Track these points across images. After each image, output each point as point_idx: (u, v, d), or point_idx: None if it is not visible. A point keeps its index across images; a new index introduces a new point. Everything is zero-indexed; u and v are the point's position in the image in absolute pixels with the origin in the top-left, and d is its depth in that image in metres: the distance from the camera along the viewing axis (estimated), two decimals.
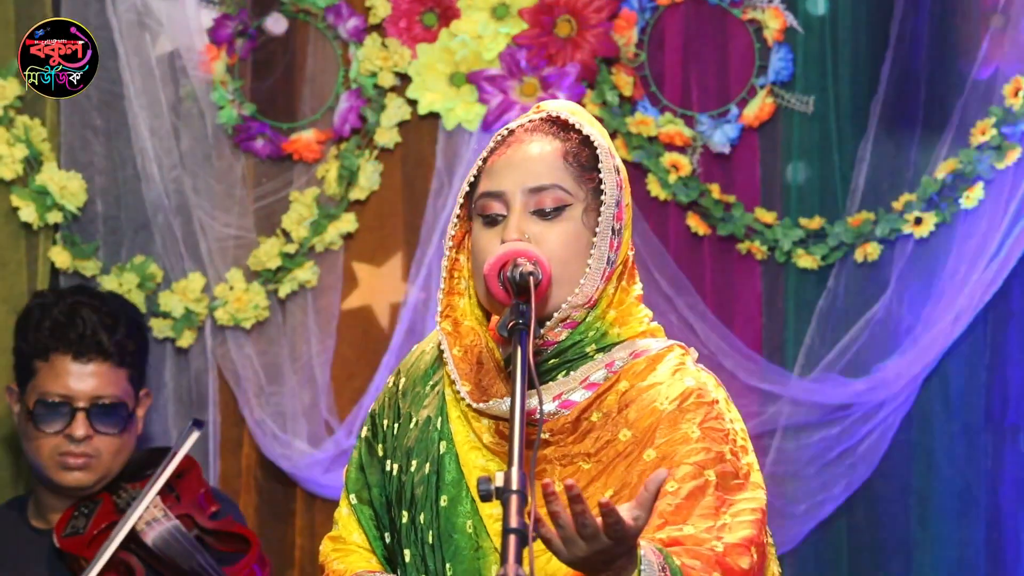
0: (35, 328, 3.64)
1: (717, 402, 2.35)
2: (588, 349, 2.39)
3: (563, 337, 2.38)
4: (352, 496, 2.53)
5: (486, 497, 2.00)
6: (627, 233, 2.41)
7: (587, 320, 2.38)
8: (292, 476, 4.11)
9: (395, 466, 2.46)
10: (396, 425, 2.49)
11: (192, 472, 3.69)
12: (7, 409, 3.93)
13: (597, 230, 2.36)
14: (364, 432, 2.56)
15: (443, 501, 2.39)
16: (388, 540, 2.48)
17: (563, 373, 2.39)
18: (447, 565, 2.38)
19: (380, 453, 2.51)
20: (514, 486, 1.97)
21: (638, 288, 2.45)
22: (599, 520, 2.05)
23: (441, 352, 2.46)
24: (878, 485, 4.20)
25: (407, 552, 2.42)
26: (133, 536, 3.49)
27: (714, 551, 2.20)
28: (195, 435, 3.56)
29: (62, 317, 3.62)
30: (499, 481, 1.99)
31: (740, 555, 2.22)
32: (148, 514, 3.52)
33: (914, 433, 4.20)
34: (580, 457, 2.34)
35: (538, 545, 2.08)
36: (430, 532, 2.39)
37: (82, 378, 3.60)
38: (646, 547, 2.14)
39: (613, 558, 2.10)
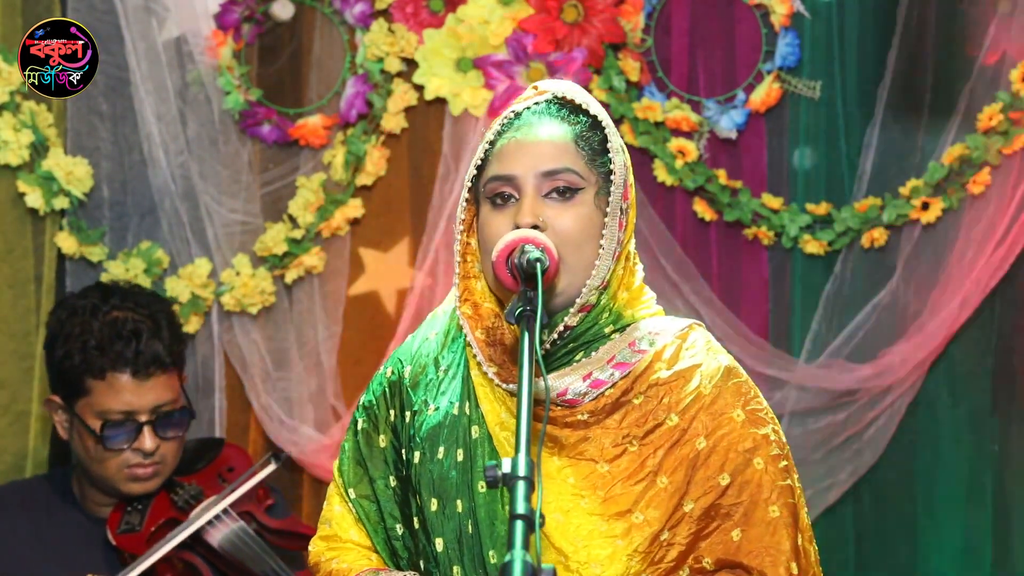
0: (81, 348, 3.48)
1: (748, 379, 2.41)
2: (606, 330, 2.40)
3: (577, 322, 2.38)
4: (350, 491, 2.51)
5: (493, 483, 2.00)
6: (632, 213, 2.43)
7: (601, 302, 2.40)
8: (299, 462, 4.11)
9: (416, 454, 2.44)
10: (408, 413, 2.48)
11: (243, 465, 3.65)
12: (11, 395, 3.93)
13: (607, 210, 2.37)
14: (360, 425, 2.54)
15: (480, 487, 2.39)
16: (401, 532, 2.47)
17: (583, 354, 2.39)
18: (490, 552, 2.37)
19: (382, 444, 2.50)
20: (521, 472, 1.97)
21: (641, 269, 2.48)
22: None
23: (448, 336, 2.48)
24: (884, 471, 4.20)
25: (439, 541, 2.40)
26: (196, 536, 3.44)
27: None
28: (271, 467, 3.53)
29: (108, 332, 3.48)
30: (506, 467, 1.99)
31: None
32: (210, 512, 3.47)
33: (920, 418, 4.21)
34: (628, 440, 2.36)
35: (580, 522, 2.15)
36: (469, 520, 2.39)
37: (143, 393, 3.48)
38: None
39: None
